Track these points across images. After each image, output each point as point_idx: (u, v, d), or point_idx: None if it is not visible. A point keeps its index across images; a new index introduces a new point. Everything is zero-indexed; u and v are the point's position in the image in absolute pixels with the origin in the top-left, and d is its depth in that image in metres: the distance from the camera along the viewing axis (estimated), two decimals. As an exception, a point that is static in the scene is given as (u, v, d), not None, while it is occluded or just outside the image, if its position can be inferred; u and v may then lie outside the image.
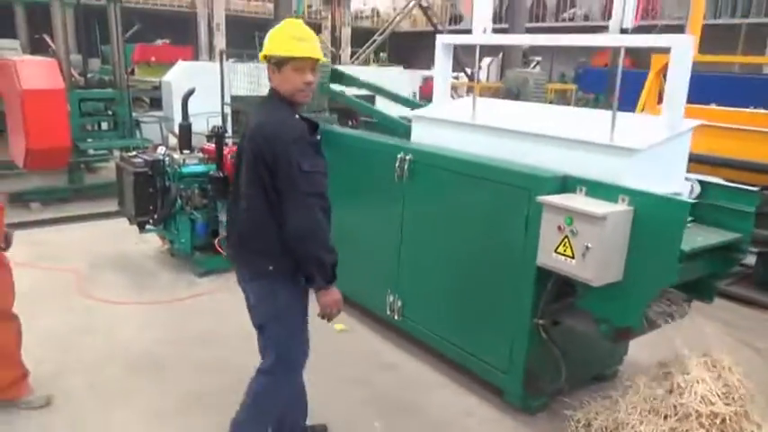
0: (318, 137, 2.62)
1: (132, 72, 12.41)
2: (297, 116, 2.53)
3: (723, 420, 2.86)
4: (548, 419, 3.31)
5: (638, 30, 10.83)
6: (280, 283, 2.52)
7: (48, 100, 6.11)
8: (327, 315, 2.54)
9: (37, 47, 13.36)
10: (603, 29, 15.05)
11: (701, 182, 3.28)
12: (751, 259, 5.54)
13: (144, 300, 4.61)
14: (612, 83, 3.01)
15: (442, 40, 4.12)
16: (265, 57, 2.51)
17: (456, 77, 15.03)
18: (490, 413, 3.36)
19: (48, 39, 9.13)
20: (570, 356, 3.27)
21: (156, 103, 10.60)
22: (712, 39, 7.84)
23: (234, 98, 8.04)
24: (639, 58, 10.77)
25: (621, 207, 2.81)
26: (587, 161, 3.11)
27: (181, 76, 9.96)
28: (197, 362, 3.76)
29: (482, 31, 11.65)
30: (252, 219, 2.47)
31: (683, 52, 3.04)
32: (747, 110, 5.73)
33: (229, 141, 6.22)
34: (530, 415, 3.32)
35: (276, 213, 2.42)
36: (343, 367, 3.76)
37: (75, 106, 7.07)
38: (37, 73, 6.21)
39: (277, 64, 2.47)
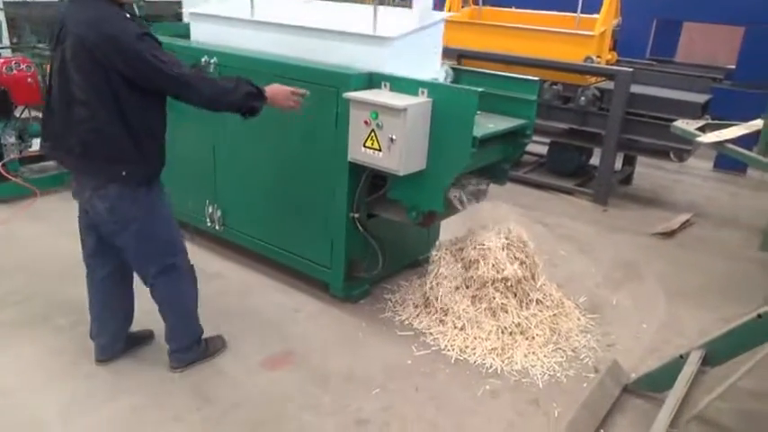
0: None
1: None
2: (127, 15, 2.41)
3: (518, 281, 3.31)
4: (370, 304, 3.56)
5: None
6: (136, 188, 2.50)
7: None
8: (296, 105, 2.77)
9: None
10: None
11: (454, 69, 3.64)
12: (544, 149, 6.26)
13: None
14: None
15: None
16: None
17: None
18: (317, 306, 3.53)
19: None
20: (387, 246, 3.51)
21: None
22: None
23: (9, 3, 6.89)
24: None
25: (421, 99, 2.97)
26: (353, 51, 3.28)
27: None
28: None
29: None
30: (98, 126, 2.36)
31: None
32: (541, 12, 6.19)
33: (4, 52, 5.39)
34: (353, 303, 3.55)
35: (126, 118, 2.36)
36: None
37: None
38: None
39: None
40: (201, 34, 3.95)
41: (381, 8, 3.24)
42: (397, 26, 3.26)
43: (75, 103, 2.35)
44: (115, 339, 2.90)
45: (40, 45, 5.57)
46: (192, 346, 2.89)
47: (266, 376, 2.90)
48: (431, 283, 3.45)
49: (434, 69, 3.49)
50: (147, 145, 2.47)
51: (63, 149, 2.48)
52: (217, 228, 3.97)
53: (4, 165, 4.49)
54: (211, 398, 2.71)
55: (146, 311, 2.95)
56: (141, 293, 2.85)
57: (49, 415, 2.57)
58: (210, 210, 3.95)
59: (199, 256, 3.98)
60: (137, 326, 3.02)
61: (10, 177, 4.43)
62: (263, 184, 3.66)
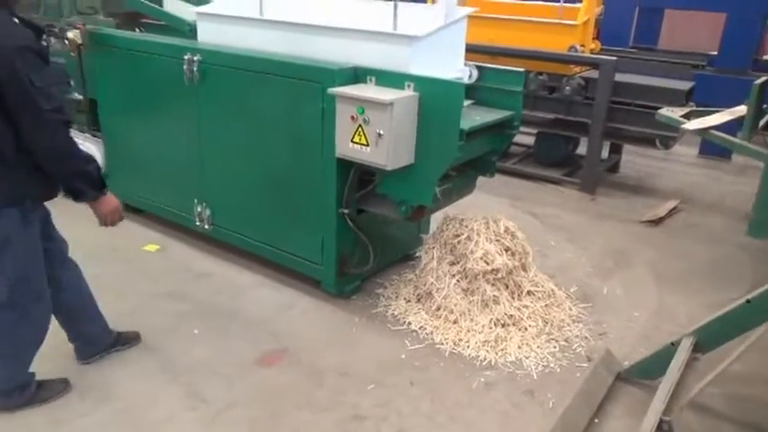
0: (45, 43, 2.33)
1: None
2: (15, 20, 2.19)
3: (509, 272, 3.32)
4: (361, 300, 3.55)
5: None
6: (3, 210, 2.26)
7: None
8: (111, 222, 2.49)
9: None
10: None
11: (478, 67, 3.55)
12: (531, 140, 6.28)
13: None
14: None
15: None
16: None
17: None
18: (309, 303, 3.51)
19: None
20: (377, 241, 3.50)
21: None
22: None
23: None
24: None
25: (407, 93, 2.95)
26: (374, 51, 3.18)
27: None
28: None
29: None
30: None
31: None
32: (523, 2, 6.19)
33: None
34: (345, 299, 3.54)
35: None
36: (156, 284, 3.63)
37: None
38: None
39: None
40: (208, 34, 3.84)
41: (401, 4, 3.10)
42: (419, 23, 3.15)
43: None
44: (85, 344, 2.87)
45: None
46: (12, 393, 2.56)
47: (261, 374, 2.88)
48: (422, 277, 3.45)
49: (458, 68, 3.38)
50: (3, 165, 2.22)
51: None
52: (206, 227, 3.93)
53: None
54: (207, 398, 2.70)
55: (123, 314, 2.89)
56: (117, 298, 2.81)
57: (41, 422, 2.53)
58: (199, 209, 3.91)
59: (188, 256, 3.99)
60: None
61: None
62: (252, 181, 3.63)
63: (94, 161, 2.39)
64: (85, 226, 4.27)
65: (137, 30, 4.91)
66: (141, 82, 3.98)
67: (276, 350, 3.06)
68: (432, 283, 3.35)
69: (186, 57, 3.57)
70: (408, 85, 2.99)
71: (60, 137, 2.24)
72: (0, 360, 2.52)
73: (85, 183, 2.33)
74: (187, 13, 4.13)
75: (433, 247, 3.45)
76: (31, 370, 2.60)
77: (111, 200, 2.45)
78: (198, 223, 3.96)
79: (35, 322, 2.52)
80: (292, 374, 2.89)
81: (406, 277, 3.71)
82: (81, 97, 4.51)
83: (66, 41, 4.20)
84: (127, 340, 3.01)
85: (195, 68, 3.56)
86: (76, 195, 2.35)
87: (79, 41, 4.16)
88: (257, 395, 2.74)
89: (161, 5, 4.25)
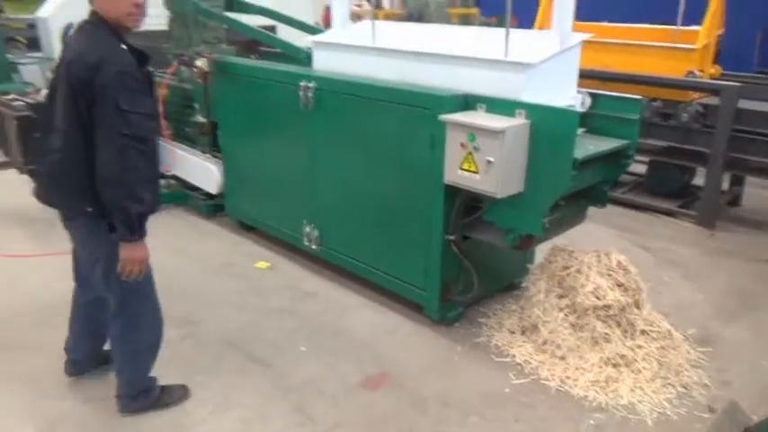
0: (150, 69, 2.43)
1: (1, 10, 11.16)
2: (124, 46, 2.30)
3: (622, 309, 3.17)
4: (464, 328, 3.52)
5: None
6: (102, 226, 2.34)
7: None
8: (127, 272, 2.36)
9: None
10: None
11: (591, 94, 3.45)
12: (642, 168, 5.99)
13: (52, 251, 4.36)
14: (510, 2, 3.06)
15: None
16: None
17: (359, 5, 14.60)
18: (411, 327, 3.52)
19: None
20: (482, 268, 3.46)
21: (35, 44, 9.63)
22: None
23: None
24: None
25: (519, 121, 2.92)
26: (486, 78, 3.18)
27: (57, 10, 9.04)
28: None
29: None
30: (66, 158, 2.29)
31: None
32: (636, 25, 5.98)
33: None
34: (447, 326, 3.52)
35: (92, 153, 2.25)
36: (266, 300, 3.80)
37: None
38: None
39: None
40: (323, 61, 4.02)
41: (513, 31, 3.10)
42: (530, 49, 3.14)
43: (53, 130, 2.31)
44: (87, 359, 2.96)
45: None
46: (138, 397, 2.72)
47: (365, 396, 2.92)
48: (527, 308, 3.37)
49: (571, 95, 3.31)
50: None
51: (38, 177, 2.46)
52: (313, 247, 4.07)
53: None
54: (313, 416, 2.76)
55: (243, 326, 3.01)
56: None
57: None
58: (308, 229, 4.06)
59: (296, 274, 4.14)
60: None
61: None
62: (360, 205, 3.72)
63: (145, 204, 2.29)
64: (207, 243, 4.57)
65: (253, 57, 5.23)
66: (259, 106, 4.22)
67: (380, 373, 3.08)
68: (538, 316, 3.26)
69: (302, 83, 3.75)
70: (520, 113, 2.96)
71: (121, 162, 2.21)
72: (124, 365, 2.68)
73: (123, 220, 2.26)
74: (302, 41, 4.35)
75: (541, 279, 3.35)
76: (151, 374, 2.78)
77: (139, 249, 2.35)
78: (306, 243, 4.11)
79: (149, 327, 2.67)
80: (395, 399, 2.90)
81: (509, 307, 3.64)
82: (204, 120, 4.85)
83: (195, 69, 4.54)
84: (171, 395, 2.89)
85: (310, 94, 3.72)
86: (111, 228, 2.31)
87: (206, 69, 4.49)
88: (362, 418, 2.77)
89: (274, 33, 4.49)
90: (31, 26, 9.51)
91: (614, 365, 3.05)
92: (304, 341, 3.35)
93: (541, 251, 3.75)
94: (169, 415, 2.76)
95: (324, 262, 4.14)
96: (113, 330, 2.63)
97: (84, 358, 2.97)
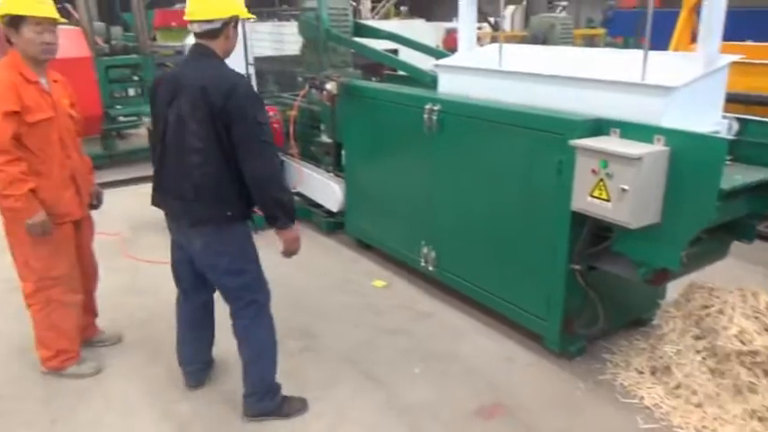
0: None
1: (154, 39, 12.41)
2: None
3: None
4: (586, 363, 3.34)
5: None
6: (238, 225, 2.69)
7: (76, 68, 6.16)
8: (291, 252, 2.74)
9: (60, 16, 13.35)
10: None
11: (739, 119, 3.18)
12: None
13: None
14: (643, 23, 2.91)
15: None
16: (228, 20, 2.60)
17: (479, 28, 14.63)
18: (529, 358, 3.41)
19: (70, 8, 9.14)
20: (608, 301, 3.28)
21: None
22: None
23: (257, 59, 7.98)
24: (670, -3, 10.30)
25: (657, 147, 2.75)
26: (620, 102, 3.04)
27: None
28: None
29: (505, -23, 11.25)
30: (208, 171, 2.55)
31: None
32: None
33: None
34: (568, 359, 3.36)
35: (231, 164, 2.54)
36: (382, 319, 3.85)
37: (103, 74, 7.14)
38: (63, 42, 6.25)
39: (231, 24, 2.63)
40: (448, 85, 4.06)
41: (650, 53, 2.96)
42: (669, 72, 2.98)
43: (189, 151, 2.54)
44: (206, 366, 3.16)
45: (284, 94, 6.30)
46: (264, 397, 2.86)
47: (479, 426, 2.85)
48: (659, 347, 3.13)
49: (715, 120, 3.12)
50: (244, 188, 2.60)
51: (174, 196, 2.67)
52: (430, 268, 4.07)
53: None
54: (427, 441, 2.74)
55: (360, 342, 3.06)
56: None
57: None
58: (425, 250, 4.07)
59: (412, 294, 4.16)
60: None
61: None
62: (480, 228, 3.67)
63: (291, 193, 2.69)
64: (327, 258, 4.71)
65: (375, 79, 5.38)
66: (383, 128, 4.32)
67: (495, 404, 3.00)
68: (671, 357, 3.02)
69: (427, 106, 3.79)
70: (658, 139, 2.78)
71: (271, 165, 2.61)
72: (259, 360, 2.83)
73: (282, 210, 2.61)
74: (425, 64, 4.41)
75: (676, 317, 3.12)
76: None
77: (296, 230, 2.74)
78: (423, 264, 4.12)
79: (267, 324, 2.84)
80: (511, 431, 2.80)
81: (638, 345, 3.40)
82: (330, 141, 5.06)
83: (325, 92, 4.76)
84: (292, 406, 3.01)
85: (435, 117, 3.75)
86: (272, 220, 2.64)
87: (335, 92, 4.69)
88: (476, 447, 2.71)
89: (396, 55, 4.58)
90: (179, 53, 10.49)
91: (760, 419, 2.75)
92: (418, 362, 3.35)
93: (674, 286, 3.49)
94: (287, 426, 2.85)
95: (439, 283, 4.12)
96: (238, 330, 2.81)
97: (205, 366, 3.16)
